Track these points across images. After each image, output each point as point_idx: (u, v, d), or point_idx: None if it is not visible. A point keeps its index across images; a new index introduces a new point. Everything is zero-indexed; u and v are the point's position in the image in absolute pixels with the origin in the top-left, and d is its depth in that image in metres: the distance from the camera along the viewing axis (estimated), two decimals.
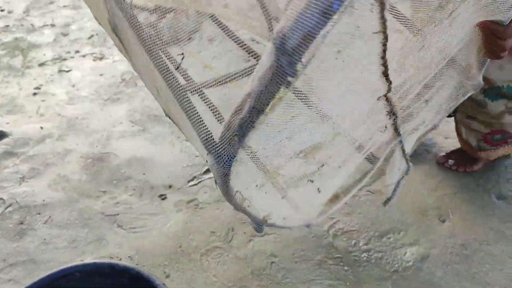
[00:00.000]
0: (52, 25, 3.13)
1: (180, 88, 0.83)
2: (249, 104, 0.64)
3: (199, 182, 1.87)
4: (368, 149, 1.05)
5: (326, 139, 0.96)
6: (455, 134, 1.83)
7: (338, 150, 1.01)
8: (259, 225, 0.97)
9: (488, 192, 1.73)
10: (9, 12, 3.32)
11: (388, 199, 1.30)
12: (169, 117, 1.10)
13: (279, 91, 0.62)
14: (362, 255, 1.54)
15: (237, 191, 0.83)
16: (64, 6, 3.38)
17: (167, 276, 1.51)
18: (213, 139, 0.77)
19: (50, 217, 1.75)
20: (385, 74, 0.79)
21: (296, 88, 0.70)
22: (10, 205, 1.80)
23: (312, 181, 1.01)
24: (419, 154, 1.91)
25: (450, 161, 1.83)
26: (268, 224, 0.99)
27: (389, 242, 1.58)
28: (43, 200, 1.81)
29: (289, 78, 0.60)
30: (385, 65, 0.76)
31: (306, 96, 0.76)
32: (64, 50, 2.85)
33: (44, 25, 3.14)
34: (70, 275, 1.19)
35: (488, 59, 1.14)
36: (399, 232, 1.61)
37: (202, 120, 0.80)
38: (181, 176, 1.89)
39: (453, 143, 1.91)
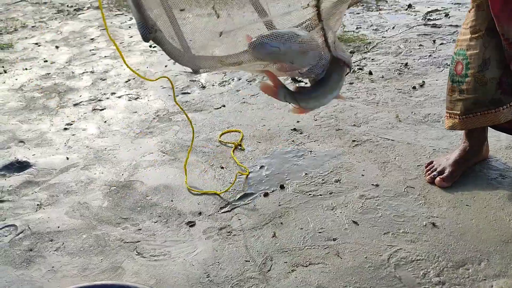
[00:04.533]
0: (92, 72, 3.11)
1: None
2: None
3: (233, 208, 1.62)
4: None
5: None
6: None
7: None
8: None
9: None
10: (52, 62, 3.35)
11: None
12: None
13: None
14: None
15: None
16: (105, 56, 3.39)
17: None
18: None
19: (63, 243, 1.53)
20: None
21: None
22: (21, 232, 1.60)
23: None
24: (493, 179, 1.61)
25: None
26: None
27: (468, 274, 1.26)
28: (58, 227, 1.60)
29: None
30: None
31: None
32: (101, 92, 2.78)
33: (84, 72, 3.12)
34: None
35: None
36: (479, 262, 1.29)
37: None
38: (212, 203, 1.66)
39: None
